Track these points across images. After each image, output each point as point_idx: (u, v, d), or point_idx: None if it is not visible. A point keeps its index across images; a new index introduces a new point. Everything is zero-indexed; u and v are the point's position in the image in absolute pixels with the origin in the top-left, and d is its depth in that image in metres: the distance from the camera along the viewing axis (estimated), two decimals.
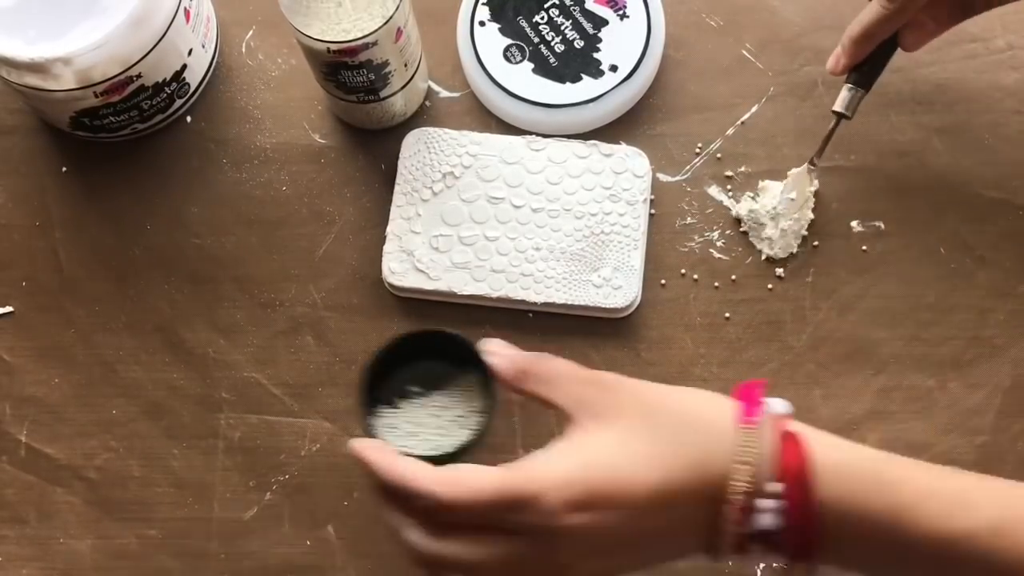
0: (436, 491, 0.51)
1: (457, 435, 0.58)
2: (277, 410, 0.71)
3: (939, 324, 0.70)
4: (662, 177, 0.73)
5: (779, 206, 0.70)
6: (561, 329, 0.71)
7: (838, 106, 0.68)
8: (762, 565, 0.67)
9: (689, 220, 0.72)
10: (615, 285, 0.69)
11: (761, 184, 0.72)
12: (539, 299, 0.70)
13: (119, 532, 0.70)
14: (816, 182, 0.71)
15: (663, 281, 0.71)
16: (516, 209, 0.71)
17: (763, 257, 0.71)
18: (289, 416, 0.71)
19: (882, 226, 0.71)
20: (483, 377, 0.57)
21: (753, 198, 0.71)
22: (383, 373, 0.59)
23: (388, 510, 0.54)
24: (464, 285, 0.70)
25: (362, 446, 0.54)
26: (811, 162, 0.70)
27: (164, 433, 0.71)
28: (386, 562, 0.68)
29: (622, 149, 0.72)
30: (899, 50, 0.67)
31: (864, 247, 0.71)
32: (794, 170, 0.71)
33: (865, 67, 0.67)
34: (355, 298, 0.72)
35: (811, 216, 0.71)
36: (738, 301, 0.71)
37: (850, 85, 0.67)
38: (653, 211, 0.72)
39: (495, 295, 0.70)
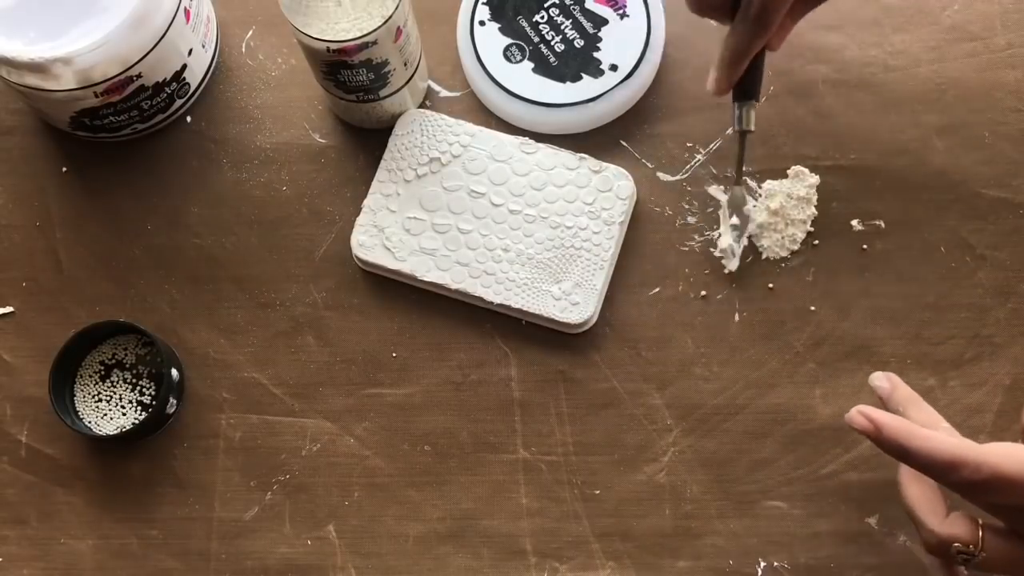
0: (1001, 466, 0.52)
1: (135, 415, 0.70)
2: (277, 410, 0.71)
3: (939, 323, 0.70)
4: (662, 176, 0.73)
5: (781, 208, 0.70)
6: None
7: (741, 125, 0.66)
8: (763, 564, 0.67)
9: (689, 219, 0.72)
10: (573, 300, 0.69)
11: (764, 187, 0.72)
12: (496, 299, 0.69)
13: (120, 532, 0.70)
14: (752, 200, 0.71)
15: (658, 289, 0.71)
16: (494, 207, 0.71)
17: (763, 256, 0.71)
18: (289, 416, 0.71)
19: (882, 225, 0.71)
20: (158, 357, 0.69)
21: (755, 205, 0.71)
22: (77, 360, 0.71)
23: (914, 488, 0.58)
24: (427, 271, 0.70)
25: (888, 421, 0.55)
26: (736, 181, 0.69)
27: (165, 432, 0.71)
28: (386, 562, 0.68)
29: (611, 169, 0.71)
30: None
31: (864, 246, 0.71)
32: (795, 167, 0.71)
33: (746, 80, 0.66)
34: (355, 298, 0.72)
35: (815, 212, 0.71)
36: (738, 300, 0.71)
37: (740, 103, 0.66)
38: (657, 209, 0.72)
39: (454, 287, 0.70)
